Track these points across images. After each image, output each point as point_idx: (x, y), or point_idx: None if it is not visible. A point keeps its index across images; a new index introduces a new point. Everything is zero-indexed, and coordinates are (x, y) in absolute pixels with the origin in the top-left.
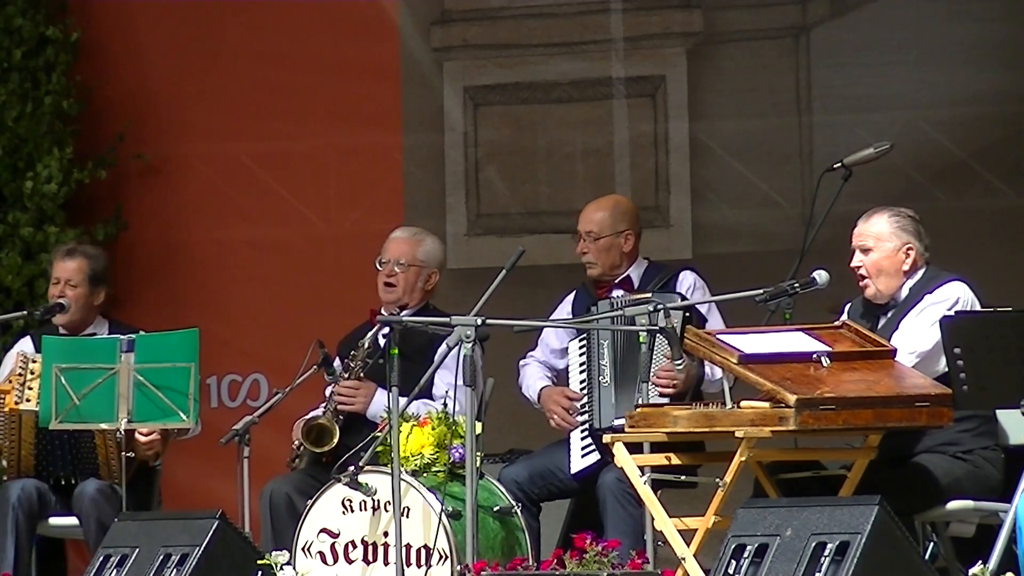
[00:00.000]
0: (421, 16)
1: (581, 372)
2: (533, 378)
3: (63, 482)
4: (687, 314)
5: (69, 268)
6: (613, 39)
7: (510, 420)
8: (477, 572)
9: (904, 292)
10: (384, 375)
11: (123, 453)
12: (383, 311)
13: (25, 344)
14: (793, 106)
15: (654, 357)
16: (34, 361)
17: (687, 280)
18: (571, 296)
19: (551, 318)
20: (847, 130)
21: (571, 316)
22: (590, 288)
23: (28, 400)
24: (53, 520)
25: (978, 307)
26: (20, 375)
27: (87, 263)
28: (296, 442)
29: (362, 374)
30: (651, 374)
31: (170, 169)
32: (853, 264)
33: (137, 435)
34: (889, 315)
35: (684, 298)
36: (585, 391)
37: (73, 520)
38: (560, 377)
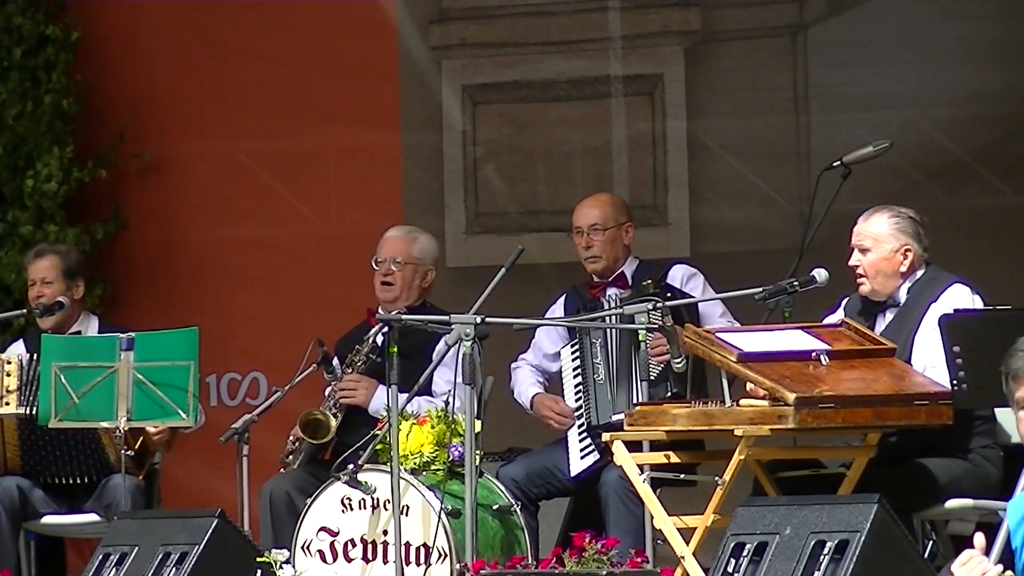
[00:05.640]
0: (419, 15)
1: (575, 377)
2: (525, 384)
3: (70, 481)
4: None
5: (41, 267)
6: (611, 38)
7: (510, 419)
8: (476, 571)
9: (903, 293)
10: (382, 373)
11: (123, 451)
12: (380, 310)
13: (17, 347)
14: (791, 105)
15: (674, 363)
16: (9, 363)
17: (677, 275)
18: (562, 299)
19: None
20: (845, 129)
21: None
22: (581, 289)
23: (7, 404)
24: (53, 519)
25: (980, 306)
26: None
27: (58, 259)
28: (292, 437)
29: (363, 369)
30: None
31: (170, 168)
32: (851, 263)
33: (147, 427)
34: (888, 316)
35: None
36: (580, 395)
37: (80, 518)
38: (553, 381)
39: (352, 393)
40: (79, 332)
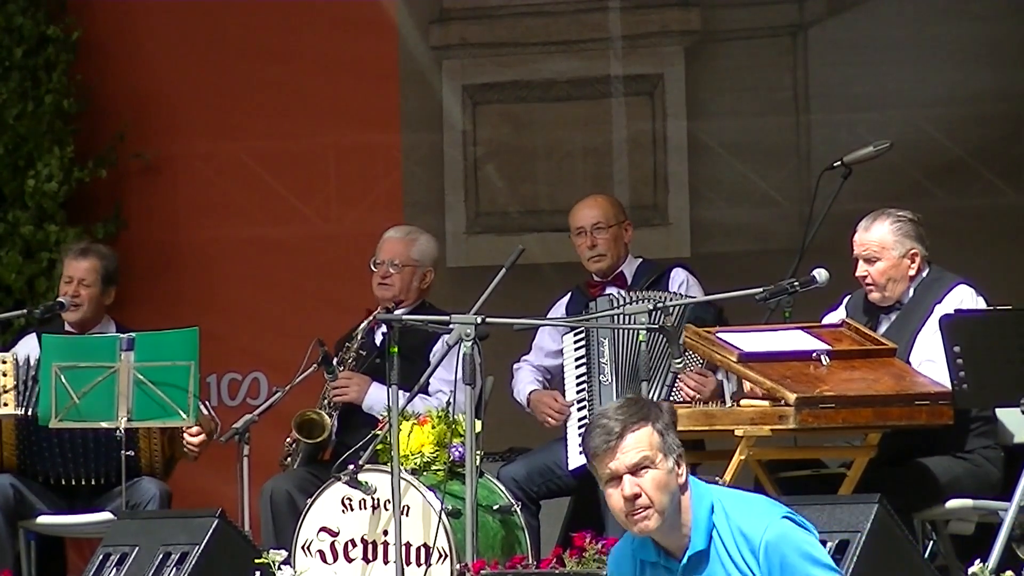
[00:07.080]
0: (420, 15)
1: (579, 367)
2: (524, 382)
3: (85, 482)
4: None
5: (83, 267)
6: (611, 37)
7: (510, 418)
8: (477, 571)
9: (908, 293)
10: (377, 372)
11: (124, 452)
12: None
13: (30, 341)
14: (791, 104)
15: (674, 363)
16: (4, 362)
17: (679, 277)
18: (565, 299)
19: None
20: (845, 128)
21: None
22: (583, 289)
23: (6, 404)
24: (64, 518)
25: (982, 307)
26: None
27: (100, 262)
28: (289, 439)
29: (355, 365)
30: (677, 378)
31: (170, 168)
32: (858, 274)
33: (186, 436)
34: (892, 317)
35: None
36: (583, 387)
37: (94, 517)
38: (556, 377)
39: (344, 390)
40: (100, 333)
